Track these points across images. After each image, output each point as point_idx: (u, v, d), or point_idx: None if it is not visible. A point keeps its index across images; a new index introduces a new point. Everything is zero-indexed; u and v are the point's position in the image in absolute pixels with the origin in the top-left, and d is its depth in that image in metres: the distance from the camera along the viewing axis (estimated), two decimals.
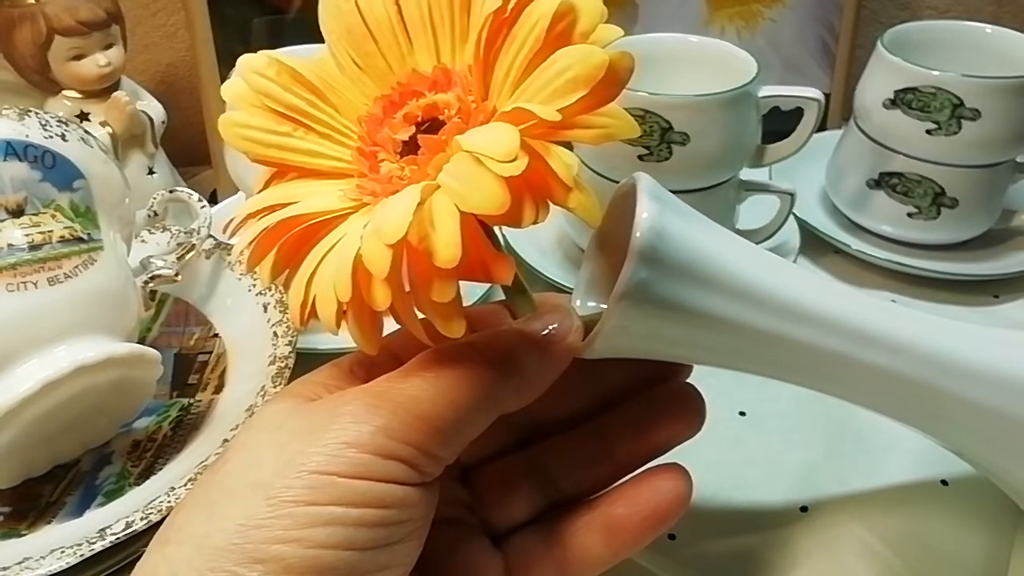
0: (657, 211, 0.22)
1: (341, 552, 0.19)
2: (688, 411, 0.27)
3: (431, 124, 0.23)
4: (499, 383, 0.22)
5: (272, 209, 0.22)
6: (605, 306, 0.23)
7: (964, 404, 0.25)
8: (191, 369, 0.41)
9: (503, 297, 0.25)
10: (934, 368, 0.25)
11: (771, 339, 0.24)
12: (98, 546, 0.29)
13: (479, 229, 0.20)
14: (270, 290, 0.42)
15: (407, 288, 0.20)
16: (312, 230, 0.21)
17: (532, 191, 0.19)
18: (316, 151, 0.24)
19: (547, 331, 0.23)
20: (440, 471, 0.22)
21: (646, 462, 0.26)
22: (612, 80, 0.19)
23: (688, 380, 0.27)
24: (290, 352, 0.38)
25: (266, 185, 0.24)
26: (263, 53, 0.24)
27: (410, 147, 0.23)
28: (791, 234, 0.52)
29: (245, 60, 0.24)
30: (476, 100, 0.22)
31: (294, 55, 0.25)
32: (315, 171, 0.24)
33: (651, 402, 0.27)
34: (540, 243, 0.52)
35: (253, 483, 0.20)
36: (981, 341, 0.26)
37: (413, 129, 0.23)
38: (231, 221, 0.24)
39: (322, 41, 0.25)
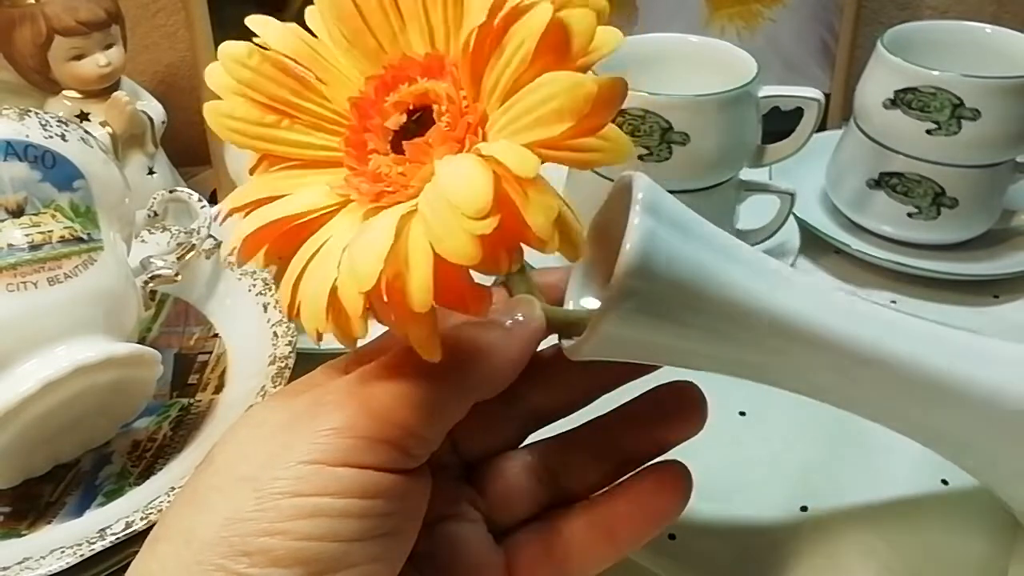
0: (650, 228, 0.22)
1: (327, 543, 0.19)
2: (690, 410, 0.27)
3: (423, 113, 0.22)
4: (471, 369, 0.22)
5: (259, 204, 0.22)
6: (598, 302, 0.23)
7: (956, 420, 0.25)
8: (191, 369, 0.41)
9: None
10: (927, 388, 0.25)
11: (761, 356, 0.24)
12: (98, 546, 0.29)
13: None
14: (270, 290, 0.42)
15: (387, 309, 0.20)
16: (300, 228, 0.21)
17: (508, 241, 0.19)
18: (304, 142, 0.23)
19: (511, 322, 0.23)
20: (427, 455, 0.22)
21: (647, 460, 0.26)
22: (601, 110, 0.18)
23: (689, 379, 0.27)
24: (290, 352, 0.38)
25: (258, 163, 0.24)
26: (244, 43, 0.23)
27: (401, 137, 0.22)
28: (791, 234, 0.52)
29: (225, 48, 0.23)
30: (468, 99, 0.21)
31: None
32: (304, 161, 0.23)
33: (653, 401, 0.27)
34: None
35: (240, 477, 0.20)
36: (976, 358, 0.26)
37: (404, 118, 0.22)
38: (219, 214, 0.23)
39: None
